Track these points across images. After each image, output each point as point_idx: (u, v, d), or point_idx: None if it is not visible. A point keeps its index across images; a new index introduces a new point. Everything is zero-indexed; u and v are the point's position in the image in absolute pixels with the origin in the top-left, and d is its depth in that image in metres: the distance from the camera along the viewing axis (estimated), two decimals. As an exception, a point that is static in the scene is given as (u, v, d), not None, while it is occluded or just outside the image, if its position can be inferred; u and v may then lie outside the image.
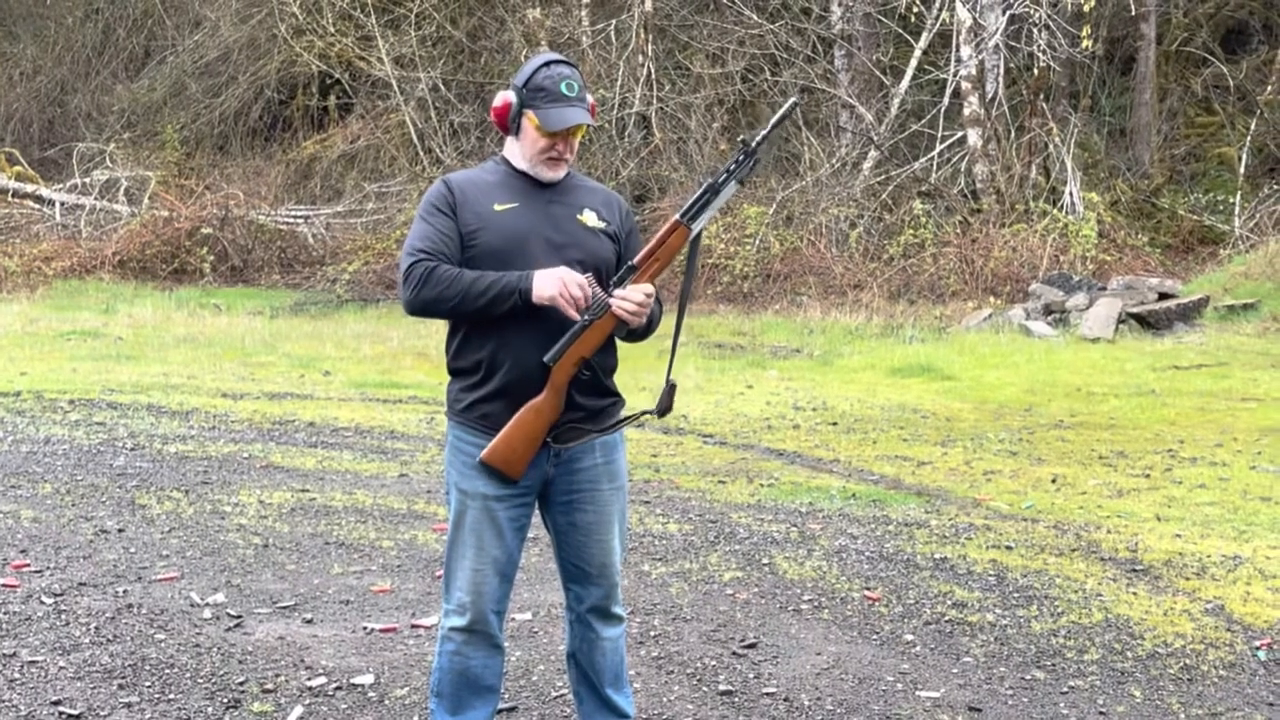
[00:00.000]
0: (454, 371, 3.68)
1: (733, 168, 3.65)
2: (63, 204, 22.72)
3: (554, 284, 3.44)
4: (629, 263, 3.61)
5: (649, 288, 3.56)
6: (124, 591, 5.52)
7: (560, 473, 3.67)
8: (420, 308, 3.52)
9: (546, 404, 3.54)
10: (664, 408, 3.69)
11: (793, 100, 4.00)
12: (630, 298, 3.53)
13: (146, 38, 28.31)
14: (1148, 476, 8.29)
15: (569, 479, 3.69)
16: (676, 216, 3.65)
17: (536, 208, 3.62)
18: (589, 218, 3.67)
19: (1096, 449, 9.16)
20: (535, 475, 3.64)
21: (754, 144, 3.66)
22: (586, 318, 3.52)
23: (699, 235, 3.70)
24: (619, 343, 3.69)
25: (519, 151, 3.65)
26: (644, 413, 3.78)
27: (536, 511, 3.77)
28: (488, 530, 3.62)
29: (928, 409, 10.88)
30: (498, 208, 3.59)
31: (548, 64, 3.59)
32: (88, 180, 23.04)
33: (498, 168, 3.70)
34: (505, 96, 3.62)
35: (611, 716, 3.87)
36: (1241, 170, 21.31)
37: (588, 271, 3.57)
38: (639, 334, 3.67)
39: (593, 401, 3.66)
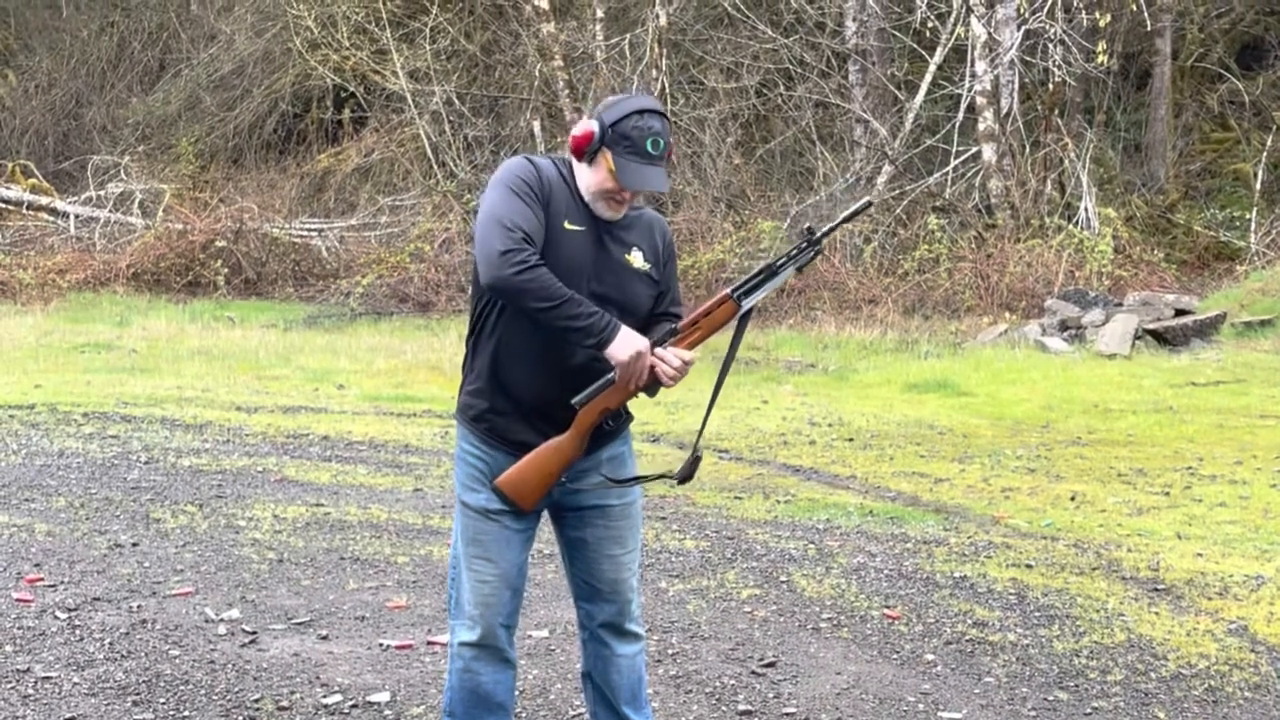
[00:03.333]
0: (468, 373, 3.63)
1: (794, 253, 3.61)
2: (77, 217, 22.75)
3: (631, 353, 3.39)
4: (671, 325, 3.56)
5: (690, 355, 3.51)
6: (138, 607, 5.49)
7: (567, 489, 3.64)
8: (504, 289, 3.33)
9: (568, 444, 3.51)
10: (685, 476, 3.66)
11: (866, 200, 3.99)
12: (669, 361, 3.48)
13: (161, 51, 28.37)
14: (1167, 494, 8.23)
15: (576, 495, 3.65)
16: (727, 291, 3.60)
17: (594, 238, 3.52)
18: (636, 258, 3.59)
19: (1115, 466, 9.10)
20: None
21: (819, 235, 3.62)
22: (614, 376, 3.47)
23: (748, 314, 3.62)
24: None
25: (584, 179, 3.53)
26: (663, 475, 3.75)
27: (549, 526, 3.74)
28: (495, 543, 3.59)
29: (944, 425, 10.82)
30: (568, 226, 3.47)
31: (641, 112, 3.46)
32: (102, 193, 23.06)
33: (565, 175, 3.55)
34: (589, 127, 3.46)
35: (630, 737, 3.83)
36: (1257, 186, 21.22)
37: (628, 318, 3.51)
38: (650, 391, 3.60)
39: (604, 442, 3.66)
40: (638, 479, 3.71)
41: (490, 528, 3.58)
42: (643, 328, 3.57)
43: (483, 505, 3.58)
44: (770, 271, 3.61)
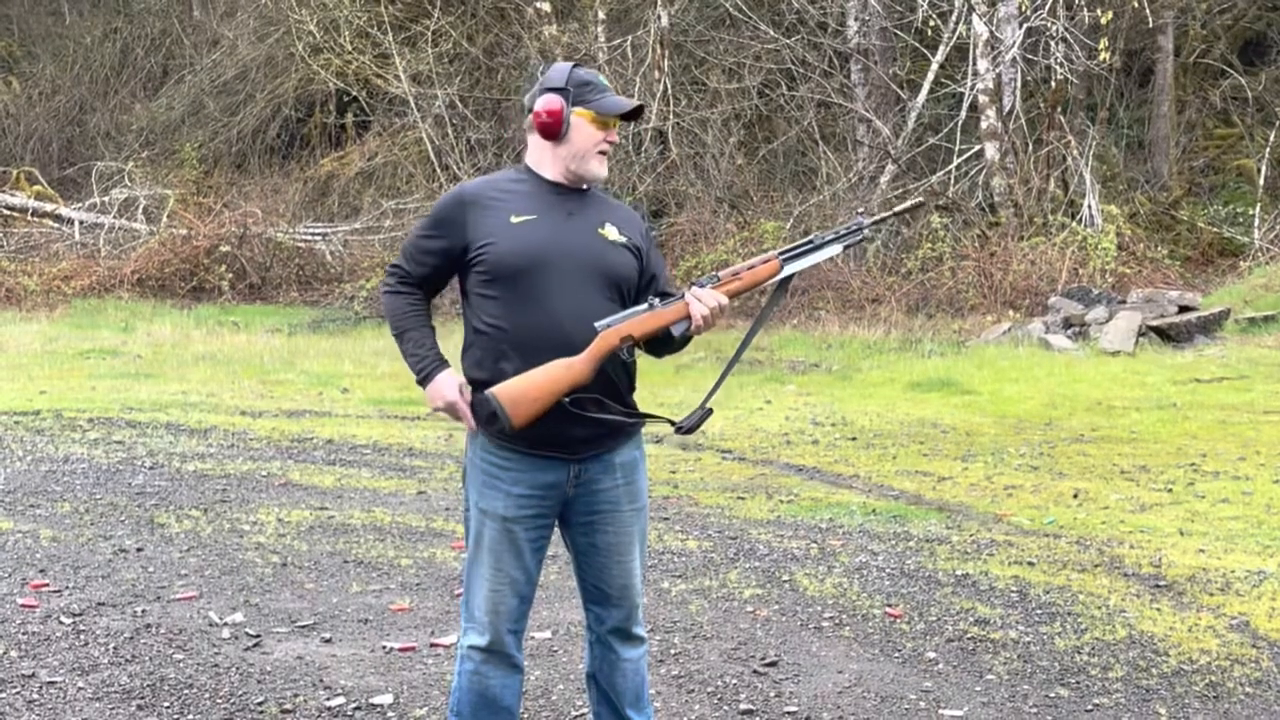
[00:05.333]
0: (471, 382, 3.63)
1: (842, 232, 3.73)
2: (81, 223, 22.78)
3: (439, 403, 3.63)
4: (712, 273, 3.64)
5: (725, 300, 3.57)
6: (143, 611, 5.51)
7: (580, 493, 3.63)
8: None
9: (579, 365, 3.46)
10: (690, 426, 3.66)
11: (918, 199, 4.12)
12: (705, 298, 3.55)
13: (165, 57, 28.41)
14: (1170, 491, 8.23)
15: (589, 500, 3.65)
16: (775, 252, 3.71)
17: (556, 220, 3.58)
18: (610, 232, 3.64)
19: (1118, 463, 9.10)
20: (553, 496, 3.60)
21: (868, 223, 3.76)
22: (655, 303, 3.54)
23: (788, 279, 3.72)
24: (638, 360, 3.67)
25: (558, 156, 3.61)
26: (670, 420, 3.74)
27: (556, 529, 3.75)
28: (506, 551, 3.59)
29: (947, 424, 10.83)
30: (514, 220, 3.55)
31: (574, 67, 3.63)
32: (106, 199, 23.10)
33: (520, 176, 3.66)
34: (551, 99, 3.58)
35: (631, 737, 3.84)
36: (1261, 182, 21.22)
37: (611, 289, 3.57)
38: (672, 346, 3.64)
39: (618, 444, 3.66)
40: (644, 415, 3.67)
41: (503, 536, 3.58)
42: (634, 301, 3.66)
43: (499, 512, 3.58)
44: (818, 244, 3.71)
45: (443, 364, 3.60)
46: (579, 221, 3.61)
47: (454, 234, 3.58)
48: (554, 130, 3.58)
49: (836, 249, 3.73)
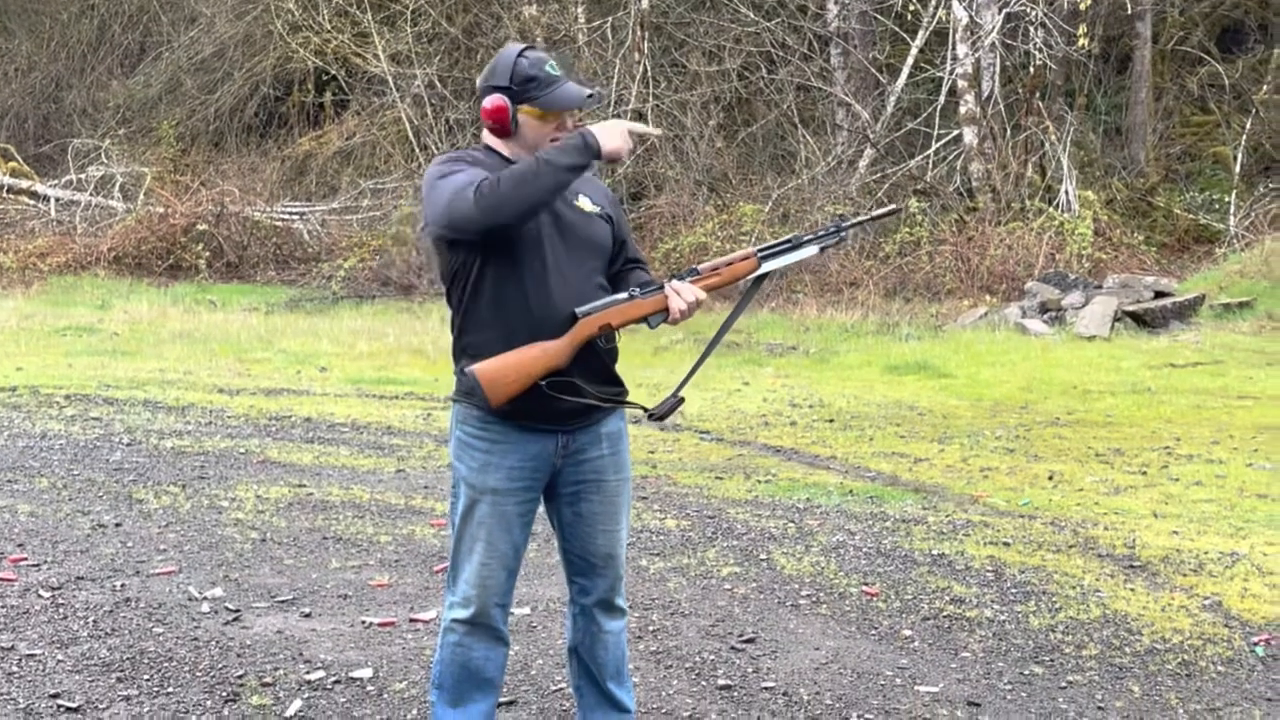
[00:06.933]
0: (464, 349, 3.60)
1: (820, 234, 3.76)
2: (58, 200, 22.69)
3: (619, 138, 3.43)
4: (693, 266, 3.67)
5: (703, 294, 3.61)
6: (122, 585, 5.51)
7: (568, 464, 3.65)
8: (500, 211, 3.35)
9: (557, 349, 3.48)
10: (663, 413, 3.68)
11: (896, 206, 4.14)
12: (684, 293, 3.57)
13: (142, 34, 28.24)
14: (1145, 474, 8.30)
15: (575, 470, 3.67)
16: (754, 249, 3.73)
17: None
18: (584, 203, 3.66)
19: (1093, 446, 9.17)
20: (543, 468, 3.62)
21: (845, 225, 3.80)
22: (636, 293, 3.56)
23: (764, 277, 3.76)
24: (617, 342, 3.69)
25: (513, 149, 3.59)
26: (642, 407, 3.74)
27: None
28: (497, 525, 3.61)
29: (924, 406, 10.88)
30: None
31: (520, 54, 3.55)
32: (83, 176, 22.99)
33: (490, 156, 3.61)
34: (496, 99, 3.54)
35: (613, 710, 3.86)
36: (1237, 169, 21.32)
37: (594, 259, 3.61)
38: (652, 322, 3.66)
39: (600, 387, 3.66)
40: (617, 402, 3.68)
41: (493, 510, 3.59)
42: (612, 278, 3.69)
43: (490, 486, 3.58)
44: (795, 243, 3.74)
45: (582, 132, 3.45)
46: (558, 200, 3.61)
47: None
48: (502, 130, 3.58)
49: (813, 250, 3.76)
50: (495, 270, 3.52)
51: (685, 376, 3.86)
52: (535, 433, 3.59)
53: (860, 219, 3.96)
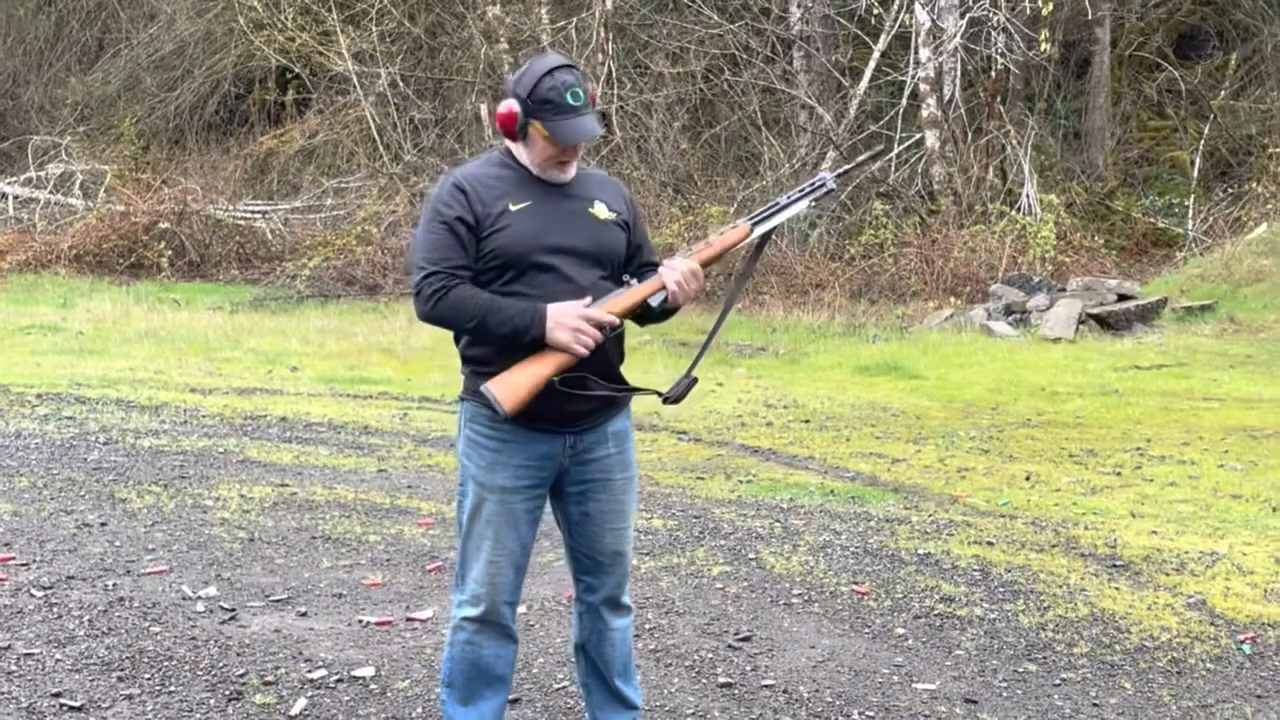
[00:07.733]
0: (469, 359, 3.64)
1: (807, 189, 3.80)
2: (16, 197, 22.50)
3: (568, 334, 3.46)
4: (686, 246, 3.70)
5: (697, 265, 3.62)
6: (114, 585, 5.49)
7: (574, 464, 3.68)
8: (434, 322, 3.54)
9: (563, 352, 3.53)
10: (676, 396, 3.72)
11: (879, 149, 4.17)
12: (678, 266, 3.59)
13: (100, 30, 28.00)
14: (1119, 474, 8.40)
15: (582, 469, 3.70)
16: (745, 219, 3.77)
17: (550, 205, 3.60)
18: (600, 210, 3.67)
19: (1066, 447, 9.27)
20: (550, 467, 3.65)
21: (832, 176, 3.83)
22: (633, 281, 3.60)
23: (763, 242, 3.80)
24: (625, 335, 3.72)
25: (524, 154, 3.62)
26: (657, 392, 3.78)
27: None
28: (505, 523, 3.63)
29: (897, 407, 10.96)
30: (513, 207, 3.55)
31: (550, 72, 3.53)
32: (42, 174, 22.81)
33: (505, 161, 3.65)
34: (510, 105, 3.56)
35: (621, 707, 3.90)
36: (1194, 174, 21.58)
37: (604, 268, 3.61)
38: (654, 316, 3.69)
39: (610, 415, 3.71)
40: (631, 390, 3.70)
41: (501, 508, 3.62)
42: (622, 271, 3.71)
43: (499, 484, 3.61)
44: (784, 205, 3.80)
45: (538, 307, 3.48)
46: (571, 204, 3.63)
47: (462, 210, 3.54)
48: (510, 133, 3.61)
49: (803, 205, 3.81)
50: (502, 287, 3.55)
51: (696, 356, 3.87)
52: (544, 433, 3.62)
53: (846, 168, 3.99)
